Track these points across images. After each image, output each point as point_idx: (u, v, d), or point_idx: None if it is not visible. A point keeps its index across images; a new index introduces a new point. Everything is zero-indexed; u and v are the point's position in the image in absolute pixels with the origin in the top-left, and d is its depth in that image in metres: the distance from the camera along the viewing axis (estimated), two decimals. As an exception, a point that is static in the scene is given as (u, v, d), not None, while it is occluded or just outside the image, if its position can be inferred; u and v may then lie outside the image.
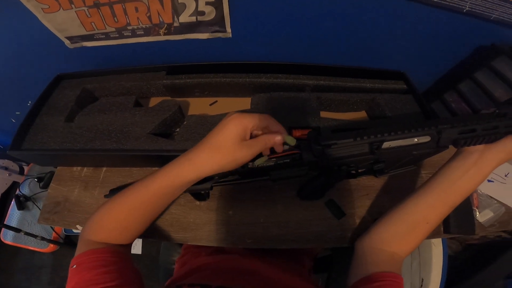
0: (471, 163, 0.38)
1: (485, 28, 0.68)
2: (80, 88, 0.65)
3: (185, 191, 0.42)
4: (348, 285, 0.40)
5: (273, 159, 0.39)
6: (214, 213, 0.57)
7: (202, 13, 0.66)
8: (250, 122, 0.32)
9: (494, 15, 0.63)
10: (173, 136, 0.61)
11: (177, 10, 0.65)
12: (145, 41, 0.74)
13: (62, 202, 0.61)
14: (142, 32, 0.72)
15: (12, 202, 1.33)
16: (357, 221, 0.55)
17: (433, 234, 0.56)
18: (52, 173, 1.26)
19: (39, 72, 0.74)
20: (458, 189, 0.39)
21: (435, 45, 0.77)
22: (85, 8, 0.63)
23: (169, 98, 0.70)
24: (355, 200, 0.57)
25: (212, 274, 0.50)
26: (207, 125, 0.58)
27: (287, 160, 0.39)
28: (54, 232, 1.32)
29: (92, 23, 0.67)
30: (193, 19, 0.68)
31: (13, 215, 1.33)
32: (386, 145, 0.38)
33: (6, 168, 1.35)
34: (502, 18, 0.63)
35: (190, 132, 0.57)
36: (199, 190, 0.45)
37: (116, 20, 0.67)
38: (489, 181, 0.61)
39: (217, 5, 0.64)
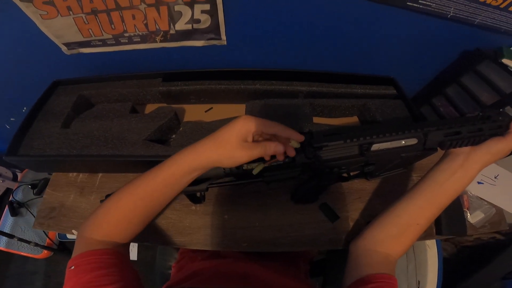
0: (458, 165, 0.39)
1: (470, 33, 0.70)
2: (77, 94, 0.65)
3: (181, 193, 0.43)
4: (343, 287, 0.40)
5: (266, 161, 0.40)
6: (210, 217, 0.57)
7: (198, 21, 0.68)
8: (254, 126, 0.34)
9: (477, 20, 0.65)
10: (169, 143, 0.62)
11: (173, 18, 0.67)
12: (141, 48, 0.75)
13: (57, 208, 0.60)
14: (139, 39, 0.73)
15: (6, 209, 1.31)
16: (351, 224, 0.56)
17: (425, 236, 0.57)
18: (46, 180, 1.26)
19: (35, 78, 0.74)
20: (446, 191, 0.40)
21: (422, 50, 0.79)
22: (83, 15, 0.64)
23: (165, 104, 0.71)
24: (348, 203, 0.58)
25: (208, 279, 0.50)
26: (203, 131, 0.58)
27: (280, 162, 0.40)
28: (48, 238, 1.30)
29: (90, 30, 0.68)
30: (189, 26, 0.69)
31: (6, 221, 1.31)
32: (375, 147, 0.39)
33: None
34: (485, 22, 0.65)
35: (185, 139, 0.57)
36: (195, 191, 0.46)
37: (113, 27, 0.68)
38: (479, 183, 0.62)
39: (213, 13, 0.65)
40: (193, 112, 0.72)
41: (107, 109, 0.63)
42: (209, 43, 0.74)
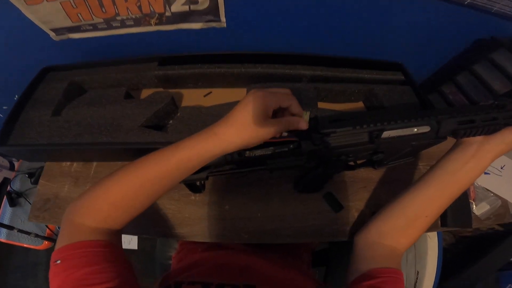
0: (470, 155, 0.38)
1: (486, 21, 0.67)
2: (68, 81, 0.62)
3: (180, 182, 0.39)
4: (348, 281, 0.39)
5: (270, 148, 0.38)
6: (210, 207, 0.56)
7: (195, 2, 0.64)
8: (273, 101, 0.33)
9: (495, 8, 0.62)
10: (166, 129, 0.60)
11: (168, -1, 0.63)
12: (135, 32, 0.71)
13: (52, 199, 0.59)
14: (132, 23, 0.69)
15: (4, 199, 1.30)
16: (355, 214, 0.55)
17: (431, 228, 0.56)
18: (43, 168, 1.24)
19: (25, 66, 0.71)
20: (457, 181, 0.39)
21: (434, 37, 0.76)
22: (71, -1, 0.60)
23: (161, 89, 0.68)
24: (353, 193, 0.57)
25: (210, 271, 0.49)
26: (202, 116, 0.56)
27: (285, 149, 0.38)
28: (48, 229, 1.30)
29: (78, 14, 0.65)
30: (186, 8, 0.65)
31: (5, 212, 1.30)
32: (385, 134, 0.38)
33: (-4, 164, 1.31)
34: (503, 11, 0.63)
35: (183, 124, 0.55)
36: (194, 180, 0.44)
37: (104, 11, 0.64)
38: (485, 173, 0.61)
39: (211, -7, 0.62)
40: (192, 97, 0.69)
41: (100, 95, 0.60)
42: (208, 25, 0.70)
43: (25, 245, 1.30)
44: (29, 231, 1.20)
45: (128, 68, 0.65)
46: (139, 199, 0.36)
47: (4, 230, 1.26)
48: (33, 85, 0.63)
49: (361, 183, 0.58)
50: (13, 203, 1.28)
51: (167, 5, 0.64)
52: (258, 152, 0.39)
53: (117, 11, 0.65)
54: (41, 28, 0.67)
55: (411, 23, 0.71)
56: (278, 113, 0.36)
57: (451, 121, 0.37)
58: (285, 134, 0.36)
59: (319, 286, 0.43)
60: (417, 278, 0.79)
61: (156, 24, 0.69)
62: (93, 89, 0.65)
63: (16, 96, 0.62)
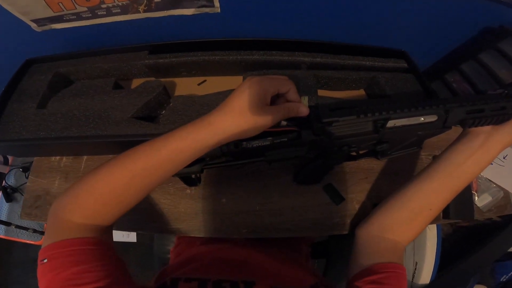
0: (477, 145, 0.37)
1: (495, 9, 0.65)
2: (52, 72, 0.59)
3: (173, 175, 0.36)
4: (350, 276, 0.38)
5: (269, 138, 0.35)
6: (206, 201, 0.54)
7: (186, -14, 0.60)
8: (271, 86, 0.31)
9: None
10: (158, 119, 0.57)
11: (157, -17, 0.59)
12: (122, 19, 0.67)
13: (42, 196, 0.57)
14: (119, 10, 0.65)
15: (0, 195, 1.29)
16: (356, 206, 0.53)
17: (433, 220, 0.56)
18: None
19: (8, 59, 0.68)
20: (463, 173, 0.38)
21: (439, 24, 0.73)
22: (49, -12, 0.56)
23: (153, 79, 0.65)
24: (355, 184, 0.56)
25: (207, 266, 0.48)
26: (196, 106, 0.54)
27: (284, 139, 0.36)
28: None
29: (60, 4, 0.61)
30: (177, -8, 0.61)
31: (2, 208, 1.29)
32: (391, 123, 0.36)
33: (-11, 160, 1.29)
34: None
35: (177, 114, 0.53)
36: (189, 173, 0.42)
37: (87, -1, 0.60)
38: (488, 163, 0.61)
39: (202, -25, 0.58)
40: (185, 86, 0.66)
41: (87, 86, 0.57)
42: (200, 11, 0.67)
43: (24, 241, 1.30)
44: (27, 226, 1.19)
45: (116, 57, 0.62)
46: (128, 194, 0.33)
47: (2, 226, 1.25)
48: (17, 78, 0.60)
49: (362, 173, 0.56)
50: (9, 198, 1.26)
51: (155, -10, 0.61)
52: (256, 143, 0.37)
53: (101, -1, 0.61)
54: (21, 20, 0.63)
55: (416, 9, 0.68)
56: (276, 100, 0.33)
57: (460, 110, 0.35)
58: (284, 123, 0.34)
59: (319, 281, 0.42)
60: (415, 269, 0.80)
61: (144, 11, 0.66)
62: (80, 80, 0.63)
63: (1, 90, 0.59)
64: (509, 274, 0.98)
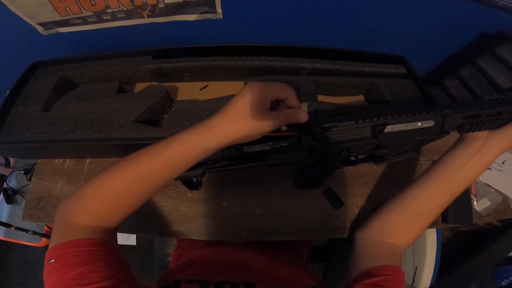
0: (475, 150, 0.37)
1: (492, 15, 0.66)
2: (58, 76, 0.60)
3: (175, 179, 0.37)
4: (349, 279, 0.38)
5: (269, 143, 0.36)
6: (207, 205, 0.55)
7: (190, -8, 0.61)
8: (271, 91, 0.32)
9: (502, 2, 0.60)
10: (161, 123, 0.58)
11: (161, -10, 0.60)
12: (127, 24, 0.68)
13: (45, 198, 0.58)
14: (124, 15, 0.66)
15: (0, 196, 1.29)
16: (356, 210, 0.54)
17: (431, 224, 0.56)
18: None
19: (14, 61, 0.69)
20: (461, 177, 0.38)
21: (437, 30, 0.74)
22: (57, -8, 0.58)
23: (156, 83, 0.66)
24: (354, 188, 0.56)
25: (208, 268, 0.48)
26: (198, 110, 0.55)
27: (284, 144, 0.37)
28: (46, 226, 1.29)
29: (67, 8, 0.62)
30: (180, -1, 0.63)
31: (2, 209, 1.29)
32: (389, 129, 0.36)
33: (-9, 161, 1.30)
34: (510, 5, 0.61)
35: (179, 119, 0.54)
36: (190, 176, 0.42)
37: (93, 3, 0.62)
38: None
39: (206, -17, 0.59)
40: (187, 90, 0.67)
41: (91, 90, 0.58)
42: (203, 17, 0.68)
43: (23, 243, 1.30)
44: (27, 228, 1.19)
45: (120, 61, 0.63)
46: (131, 197, 0.34)
47: (2, 228, 1.25)
48: (22, 81, 0.61)
49: (362, 178, 0.57)
50: (9, 200, 1.26)
51: (160, -4, 0.62)
52: (257, 148, 0.37)
53: (107, 4, 0.62)
54: (28, 23, 0.64)
55: (414, 16, 0.69)
56: (276, 107, 0.34)
57: (457, 116, 0.36)
58: (284, 128, 0.35)
59: (318, 283, 0.43)
60: (415, 273, 0.79)
61: (149, 16, 0.67)
62: (84, 84, 0.63)
63: (8, 92, 0.60)
64: (510, 279, 0.98)
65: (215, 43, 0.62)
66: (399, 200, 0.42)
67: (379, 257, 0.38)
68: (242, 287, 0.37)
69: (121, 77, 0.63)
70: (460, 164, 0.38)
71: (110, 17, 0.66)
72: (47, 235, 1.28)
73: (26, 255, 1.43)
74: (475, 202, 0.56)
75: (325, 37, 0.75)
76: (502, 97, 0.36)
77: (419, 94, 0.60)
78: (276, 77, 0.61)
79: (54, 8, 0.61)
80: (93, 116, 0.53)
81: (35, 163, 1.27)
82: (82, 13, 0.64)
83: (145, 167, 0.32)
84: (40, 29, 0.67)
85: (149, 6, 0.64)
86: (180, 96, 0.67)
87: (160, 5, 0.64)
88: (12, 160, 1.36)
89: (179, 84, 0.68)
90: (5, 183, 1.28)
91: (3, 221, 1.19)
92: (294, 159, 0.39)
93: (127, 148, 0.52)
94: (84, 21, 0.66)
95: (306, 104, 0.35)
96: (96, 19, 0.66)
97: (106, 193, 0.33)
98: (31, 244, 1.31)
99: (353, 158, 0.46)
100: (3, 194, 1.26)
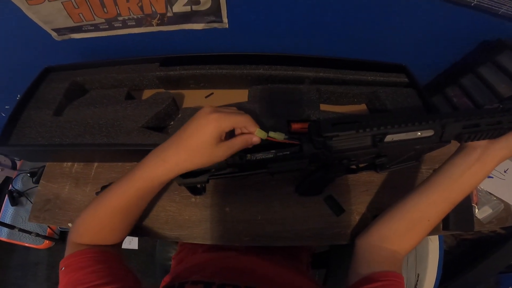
0: (474, 159, 0.37)
1: (492, 23, 0.67)
2: (69, 81, 0.62)
3: (180, 185, 0.42)
4: (349, 284, 0.39)
5: (272, 151, 0.37)
6: (210, 210, 0.55)
7: (197, 3, 0.64)
8: (227, 126, 0.32)
9: (502, 10, 0.61)
10: (167, 130, 0.59)
11: (170, 0, 0.63)
12: (137, 32, 0.71)
13: (52, 200, 0.59)
14: (134, 23, 0.69)
15: (6, 198, 1.31)
16: (357, 217, 0.54)
17: (432, 231, 0.56)
18: (44, 168, 1.24)
19: (27, 65, 0.71)
20: (461, 185, 0.39)
21: (438, 39, 0.75)
22: (72, -1, 0.60)
23: (162, 90, 0.68)
24: (355, 196, 0.56)
25: (212, 272, 0.50)
26: (202, 118, 0.55)
27: (287, 152, 0.38)
28: (49, 228, 1.30)
29: (80, 14, 0.65)
30: (188, 8, 0.65)
31: (7, 211, 1.30)
32: (389, 138, 0.37)
33: (-2, 163, 1.32)
34: (510, 13, 0.62)
35: (184, 126, 0.55)
36: (195, 183, 0.44)
37: (106, 11, 0.64)
38: (488, 177, 0.60)
39: (213, -6, 0.61)
40: (193, 98, 0.69)
41: (101, 96, 0.60)
42: (210, 26, 0.70)
43: (26, 244, 1.30)
44: (30, 230, 1.20)
45: (129, 68, 0.65)
46: (117, 225, 0.41)
47: (5, 229, 1.26)
48: (35, 85, 0.62)
49: (363, 186, 0.57)
50: (14, 202, 1.28)
51: (168, 6, 0.64)
52: (260, 156, 0.38)
53: (118, 11, 0.65)
54: (43, 28, 0.67)
55: (416, 24, 0.70)
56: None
57: (456, 125, 0.36)
58: (286, 137, 0.36)
59: None
60: (417, 281, 0.79)
61: (157, 24, 0.69)
62: (95, 90, 0.65)
63: (19, 96, 0.62)
64: (514, 286, 0.97)
65: (220, 51, 0.64)
66: (400, 208, 0.42)
67: (379, 263, 0.39)
68: None
69: (130, 83, 0.65)
70: (459, 173, 0.38)
71: (120, 25, 0.69)
72: (49, 238, 1.29)
73: (27, 257, 1.43)
74: (477, 210, 0.56)
75: (328, 47, 0.77)
76: (501, 106, 0.36)
77: (421, 103, 0.60)
78: (279, 86, 0.62)
79: (69, 14, 0.64)
80: (102, 122, 0.54)
81: (41, 166, 1.29)
82: (95, 20, 0.66)
83: (118, 203, 0.38)
84: (54, 34, 0.70)
85: (158, 15, 0.67)
86: (186, 104, 0.68)
87: (169, 14, 0.66)
88: (18, 163, 1.39)
89: (185, 92, 0.69)
90: (10, 185, 1.30)
91: (7, 222, 1.21)
92: (296, 167, 0.40)
93: (134, 153, 0.54)
94: (96, 28, 0.69)
95: (260, 131, 0.35)
96: (107, 26, 0.69)
97: (93, 224, 0.40)
98: (33, 246, 1.31)
99: (354, 167, 0.47)
100: (9, 196, 1.28)
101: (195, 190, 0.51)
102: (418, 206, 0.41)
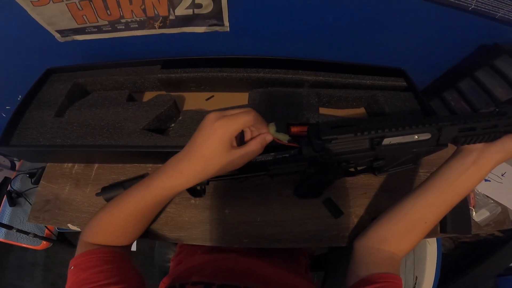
0: (470, 162, 0.38)
1: (489, 27, 0.67)
2: (71, 82, 0.63)
3: None
4: (347, 286, 0.39)
5: (271, 154, 0.38)
6: (210, 211, 0.56)
7: (199, 6, 0.65)
8: (235, 130, 0.31)
9: (499, 14, 0.62)
10: (167, 132, 0.60)
11: (173, 3, 0.64)
12: (139, 34, 0.72)
13: (52, 200, 0.59)
14: (136, 25, 0.70)
15: (4, 199, 1.30)
16: (355, 220, 0.54)
17: (430, 234, 0.56)
18: (44, 169, 1.23)
19: (29, 66, 0.72)
20: (457, 188, 0.39)
21: (437, 43, 0.76)
22: (76, 1, 0.61)
23: (164, 92, 0.68)
24: (353, 199, 0.57)
25: (212, 273, 0.50)
26: (203, 121, 0.56)
27: (286, 155, 0.38)
28: (46, 229, 1.30)
29: (84, 16, 0.65)
30: (190, 12, 0.66)
31: (5, 211, 1.30)
32: (386, 141, 0.37)
33: (-3, 163, 1.31)
34: (507, 17, 0.63)
35: (185, 128, 0.55)
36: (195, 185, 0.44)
37: (109, 13, 0.65)
38: (486, 180, 0.61)
39: (215, -2, 0.62)
40: (193, 100, 0.69)
41: (103, 97, 0.60)
42: (211, 29, 0.71)
43: (23, 245, 1.30)
44: (28, 231, 1.20)
45: (131, 70, 0.65)
46: (130, 228, 0.42)
47: (3, 230, 1.26)
48: (37, 86, 0.63)
49: (361, 189, 0.57)
50: (12, 202, 1.28)
51: (171, 9, 0.65)
52: (260, 158, 0.39)
53: (121, 14, 0.66)
54: (46, 30, 0.67)
55: (414, 29, 0.71)
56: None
57: (452, 129, 0.36)
58: (289, 139, 0.36)
59: None
60: (415, 283, 0.79)
61: (160, 27, 0.70)
62: (96, 91, 0.66)
63: (20, 97, 0.62)
64: (513, 289, 0.97)
65: (221, 55, 0.64)
66: (397, 210, 0.43)
67: (377, 265, 0.39)
68: None
69: (131, 85, 0.65)
70: (455, 176, 0.39)
71: (123, 27, 0.69)
72: (47, 238, 1.29)
73: (24, 258, 1.43)
74: (474, 213, 0.57)
75: (327, 50, 0.78)
76: (497, 110, 0.36)
77: (419, 107, 0.61)
78: (279, 90, 0.63)
79: (73, 16, 0.64)
80: (103, 123, 0.54)
81: (41, 167, 1.29)
82: (98, 22, 0.67)
83: (134, 208, 0.38)
84: (57, 36, 0.70)
85: (161, 18, 0.67)
86: (187, 106, 0.68)
87: (171, 17, 0.67)
88: (18, 163, 1.38)
89: (186, 94, 0.70)
90: (9, 186, 1.29)
91: (5, 223, 1.20)
92: (295, 169, 0.40)
93: (135, 155, 0.54)
94: (99, 29, 0.69)
95: (273, 125, 0.35)
96: (110, 28, 0.69)
97: (107, 226, 0.41)
98: (31, 246, 1.31)
99: (352, 169, 0.48)
100: (7, 196, 1.28)
101: (195, 192, 0.51)
102: (416, 208, 0.41)
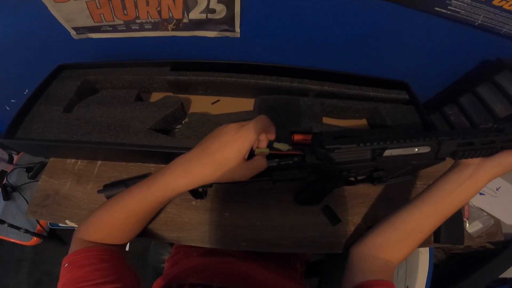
0: (467, 176, 0.39)
1: (494, 42, 0.68)
2: (82, 79, 0.63)
3: None
4: None
5: (276, 160, 0.39)
6: (210, 214, 0.56)
7: (213, 11, 0.66)
8: (253, 139, 0.31)
9: (504, 29, 0.62)
10: (173, 133, 0.61)
11: (188, 6, 0.65)
12: (152, 35, 0.73)
13: (52, 195, 0.58)
14: (150, 27, 0.71)
15: (-1, 192, 1.28)
16: (352, 228, 0.55)
17: (423, 244, 0.57)
18: (42, 164, 1.22)
19: (40, 61, 0.72)
20: (453, 200, 0.40)
21: (441, 57, 0.77)
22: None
23: (171, 94, 0.69)
24: (351, 207, 0.58)
25: (210, 275, 0.50)
26: (209, 124, 0.57)
27: (290, 161, 0.39)
28: (38, 225, 1.28)
29: (101, 15, 0.66)
30: (203, 16, 0.67)
31: (-2, 205, 1.28)
32: (387, 153, 0.39)
33: (-5, 156, 1.30)
34: (511, 32, 0.63)
35: (191, 130, 0.56)
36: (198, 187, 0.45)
37: (126, 13, 0.66)
38: (480, 194, 0.62)
39: (229, 4, 0.64)
40: (200, 104, 0.70)
41: (112, 96, 0.61)
42: (222, 34, 0.72)
43: (13, 240, 1.27)
44: (19, 226, 1.17)
45: (141, 70, 0.66)
46: (129, 227, 0.42)
47: (-7, 224, 1.23)
48: (48, 81, 0.63)
49: (359, 198, 0.59)
50: (7, 196, 1.26)
51: (185, 12, 0.66)
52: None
53: (137, 14, 0.67)
54: (63, 26, 0.68)
55: (418, 43, 0.72)
56: None
57: (451, 143, 0.38)
58: (289, 148, 0.38)
59: None
60: (406, 293, 0.79)
61: (173, 29, 0.71)
62: (105, 89, 0.66)
63: (27, 91, 0.62)
64: (501, 300, 0.97)
65: (230, 60, 0.66)
66: (394, 219, 0.44)
67: (373, 272, 0.40)
68: None
69: (140, 85, 0.66)
70: (452, 188, 0.40)
71: (137, 27, 0.71)
72: (38, 234, 1.26)
73: (12, 253, 1.39)
74: (468, 224, 0.58)
75: (333, 60, 0.79)
76: (495, 126, 0.38)
77: (419, 120, 0.62)
78: (285, 97, 0.64)
79: (90, 14, 0.66)
80: (111, 121, 0.55)
81: (39, 162, 1.28)
82: (114, 21, 0.68)
83: (135, 207, 0.38)
84: (73, 33, 0.71)
85: (175, 20, 0.69)
86: (193, 109, 0.69)
87: (185, 20, 0.68)
88: (15, 157, 1.37)
89: (192, 97, 0.71)
90: (5, 179, 1.28)
91: (-3, 217, 1.18)
92: (298, 176, 0.41)
93: (140, 154, 0.55)
94: (114, 29, 0.71)
95: (285, 145, 0.37)
96: (125, 28, 0.71)
97: (106, 224, 0.40)
98: (20, 242, 1.27)
99: (352, 179, 0.49)
100: (2, 190, 1.25)
101: (197, 194, 0.52)
102: (411, 218, 0.42)
